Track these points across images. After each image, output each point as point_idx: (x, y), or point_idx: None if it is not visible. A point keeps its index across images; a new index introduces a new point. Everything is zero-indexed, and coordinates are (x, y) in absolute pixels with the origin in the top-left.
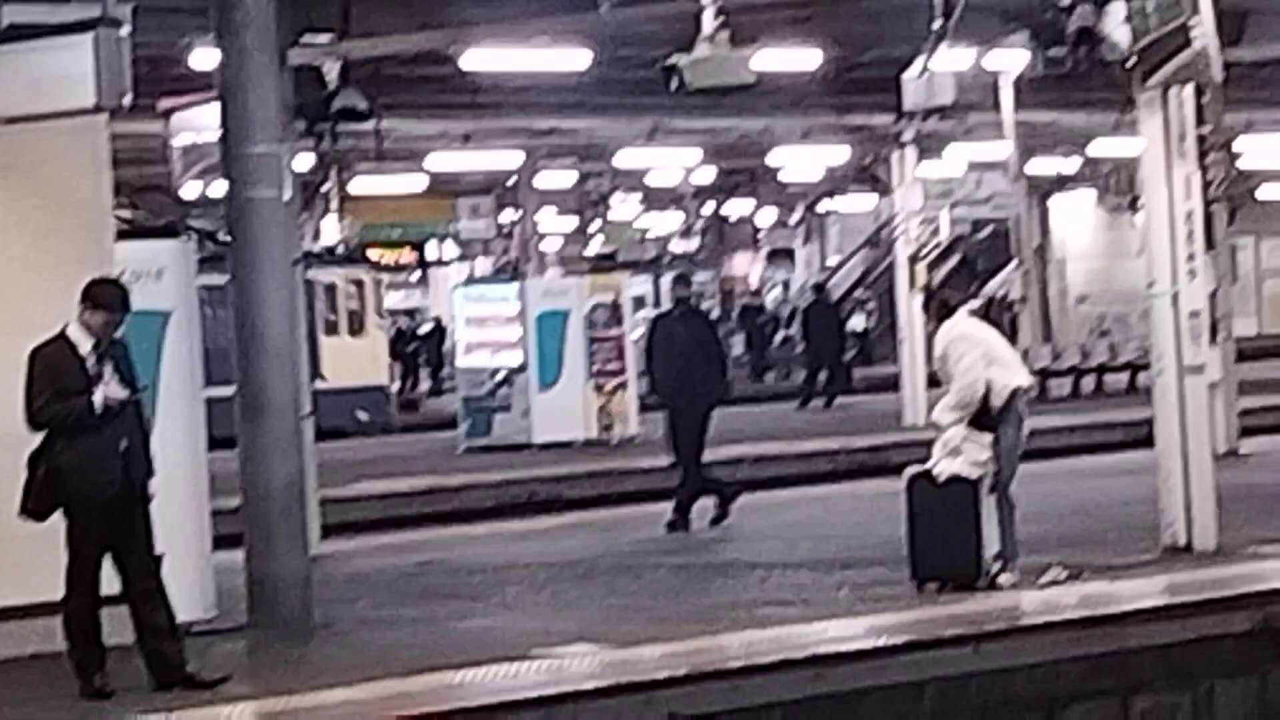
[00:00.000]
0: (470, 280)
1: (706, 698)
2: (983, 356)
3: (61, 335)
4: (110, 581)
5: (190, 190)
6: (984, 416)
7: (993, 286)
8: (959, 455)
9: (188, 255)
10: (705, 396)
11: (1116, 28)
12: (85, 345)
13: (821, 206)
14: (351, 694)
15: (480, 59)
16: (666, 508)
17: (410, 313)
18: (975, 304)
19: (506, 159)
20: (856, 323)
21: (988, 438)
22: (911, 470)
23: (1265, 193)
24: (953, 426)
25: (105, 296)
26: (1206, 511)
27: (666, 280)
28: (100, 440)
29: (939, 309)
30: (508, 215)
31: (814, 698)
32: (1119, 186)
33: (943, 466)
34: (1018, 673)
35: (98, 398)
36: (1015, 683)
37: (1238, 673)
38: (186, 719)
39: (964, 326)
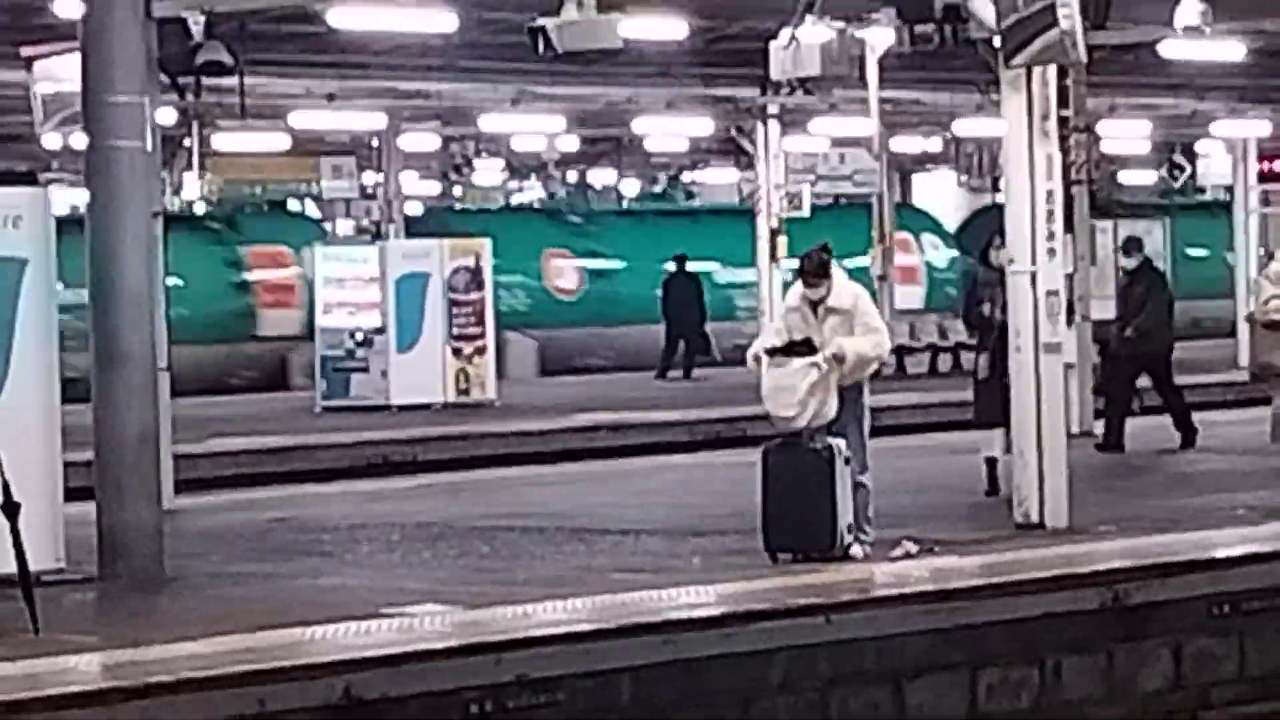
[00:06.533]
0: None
1: (556, 660)
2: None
3: None
4: None
5: (52, 140)
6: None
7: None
8: (808, 405)
9: (46, 203)
10: None
11: (983, 6)
12: None
13: (685, 177)
14: (199, 648)
15: (347, 17)
16: (524, 471)
17: None
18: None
19: (370, 120)
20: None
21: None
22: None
23: (1126, 178)
24: (806, 372)
25: None
26: (1059, 490)
27: None
28: None
29: (818, 268)
30: (370, 177)
31: (663, 664)
32: (981, 166)
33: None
34: (867, 644)
35: None
36: (864, 654)
37: (1085, 649)
38: (31, 669)
39: (857, 285)
